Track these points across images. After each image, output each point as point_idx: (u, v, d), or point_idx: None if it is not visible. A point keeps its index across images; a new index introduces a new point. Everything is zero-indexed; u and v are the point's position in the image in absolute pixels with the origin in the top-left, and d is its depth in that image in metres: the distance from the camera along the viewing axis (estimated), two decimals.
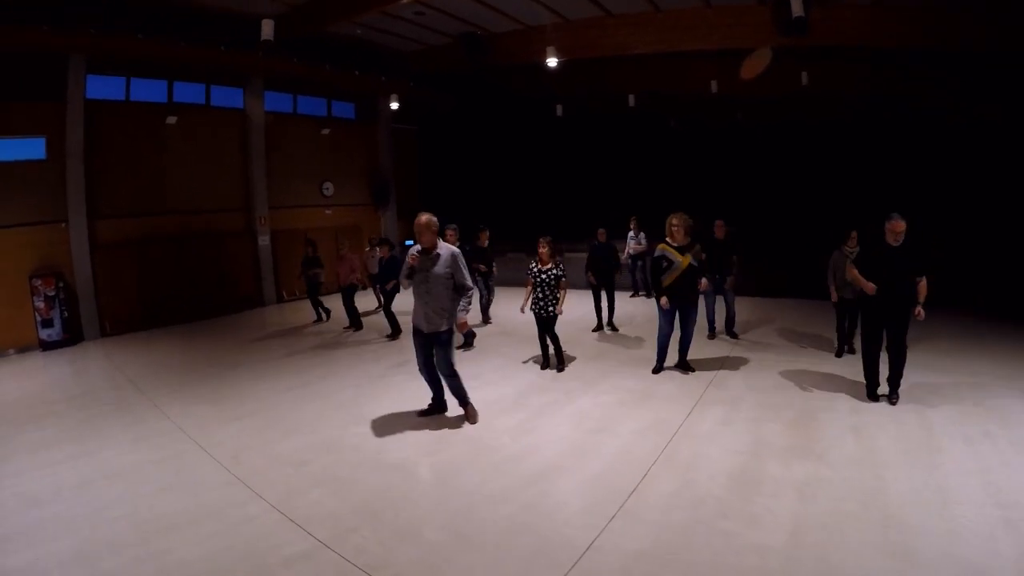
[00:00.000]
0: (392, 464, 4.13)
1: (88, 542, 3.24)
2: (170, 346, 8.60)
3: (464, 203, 14.34)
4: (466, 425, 4.78)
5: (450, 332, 4.64)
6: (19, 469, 4.29)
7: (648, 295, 10.49)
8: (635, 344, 7.30)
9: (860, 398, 4.95)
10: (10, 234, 8.58)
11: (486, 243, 8.62)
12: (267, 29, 8.09)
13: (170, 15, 9.17)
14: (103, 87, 9.60)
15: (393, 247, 8.71)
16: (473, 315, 8.46)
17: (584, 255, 8.37)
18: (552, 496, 3.57)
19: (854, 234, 6.04)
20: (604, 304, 8.10)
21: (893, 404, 4.79)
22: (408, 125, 15.48)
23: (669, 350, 5.99)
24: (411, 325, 4.78)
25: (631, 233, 10.48)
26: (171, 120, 10.38)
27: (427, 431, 4.70)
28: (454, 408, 5.02)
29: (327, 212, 13.43)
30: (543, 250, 6.04)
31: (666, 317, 5.77)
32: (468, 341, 7.45)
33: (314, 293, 9.71)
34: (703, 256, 5.80)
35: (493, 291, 8.89)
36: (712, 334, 7.35)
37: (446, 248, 4.64)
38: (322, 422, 5.03)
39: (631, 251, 10.41)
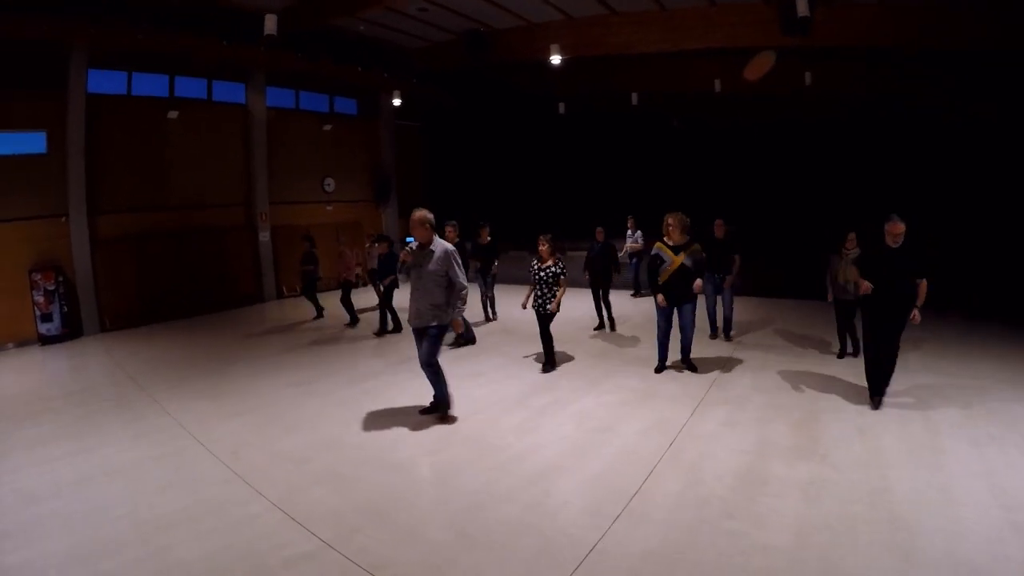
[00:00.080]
0: (394, 462, 4.10)
1: (87, 541, 3.21)
2: (170, 342, 8.57)
3: (466, 200, 14.32)
4: (469, 424, 4.75)
5: (440, 328, 4.63)
6: (17, 465, 4.26)
7: (635, 293, 10.55)
8: (637, 343, 7.28)
9: (863, 399, 4.92)
10: (10, 228, 8.54)
11: (487, 239, 8.58)
12: (270, 24, 8.05)
13: (172, 8, 9.11)
14: (105, 81, 9.56)
15: (392, 244, 8.69)
16: (476, 313, 8.54)
17: (586, 254, 8.36)
18: (556, 496, 3.55)
19: (852, 235, 6.03)
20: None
21: (875, 409, 4.71)
22: (411, 122, 15.44)
23: (670, 349, 5.98)
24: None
25: (629, 232, 10.48)
26: (173, 115, 10.34)
27: (429, 429, 4.68)
28: (456, 407, 4.99)
29: (328, 208, 13.40)
30: (543, 248, 6.09)
31: (663, 315, 5.81)
32: (468, 340, 7.42)
33: (310, 289, 9.69)
34: (703, 255, 5.77)
35: (492, 287, 8.82)
36: (714, 334, 7.34)
37: (440, 245, 4.63)
38: (323, 419, 5.00)
39: (629, 250, 10.40)
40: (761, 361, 6.28)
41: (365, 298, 10.68)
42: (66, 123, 8.93)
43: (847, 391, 5.16)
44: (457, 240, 7.07)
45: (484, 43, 10.69)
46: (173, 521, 3.38)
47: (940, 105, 11.17)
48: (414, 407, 5.07)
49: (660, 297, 5.72)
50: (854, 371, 5.55)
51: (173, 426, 4.95)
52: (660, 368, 5.99)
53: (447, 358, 5.97)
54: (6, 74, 8.36)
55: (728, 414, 4.77)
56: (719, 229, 7.10)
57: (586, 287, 8.18)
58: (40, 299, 8.64)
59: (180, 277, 10.48)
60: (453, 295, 4.63)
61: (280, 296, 12.17)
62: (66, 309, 8.90)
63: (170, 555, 3.04)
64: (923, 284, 4.60)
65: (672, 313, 5.81)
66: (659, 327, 5.91)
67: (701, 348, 6.70)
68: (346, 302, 8.99)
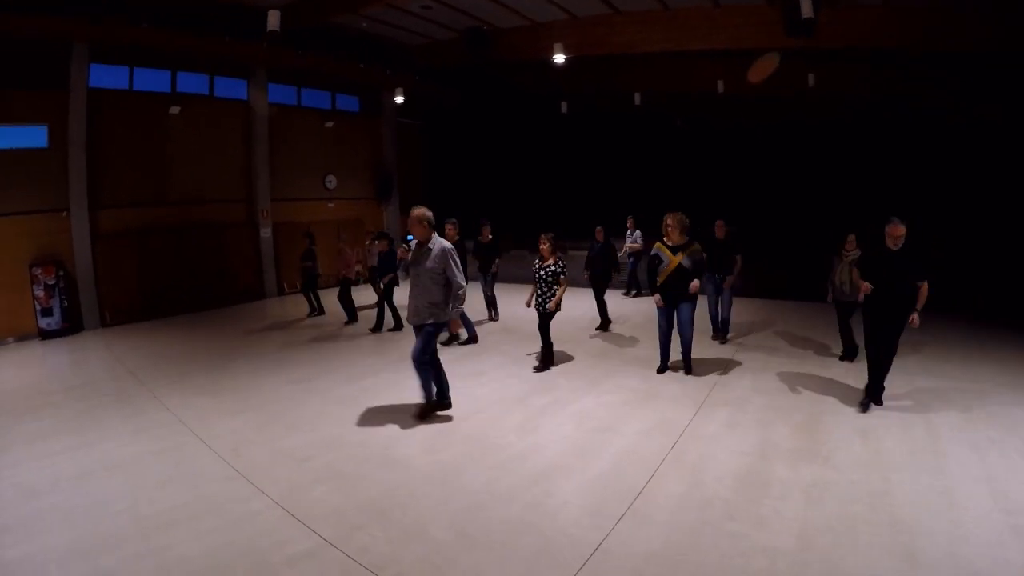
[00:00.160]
0: (396, 461, 4.10)
1: (87, 536, 3.20)
2: (170, 337, 8.56)
3: (468, 199, 14.30)
4: (470, 422, 4.75)
5: (435, 326, 4.63)
6: (17, 459, 4.25)
7: (627, 293, 10.56)
8: (638, 344, 7.27)
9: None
10: (11, 222, 8.53)
11: (489, 237, 8.57)
12: (273, 20, 8.02)
13: (174, 4, 9.09)
14: (106, 76, 9.54)
15: (392, 241, 8.67)
16: (479, 312, 8.52)
17: (587, 253, 8.37)
18: (558, 496, 3.54)
19: (851, 237, 6.03)
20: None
21: (862, 412, 4.70)
22: (412, 120, 15.43)
23: (672, 349, 5.97)
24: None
25: (628, 232, 10.49)
26: (174, 110, 10.32)
27: (430, 427, 4.68)
28: (458, 406, 5.00)
29: (330, 205, 13.38)
30: (544, 247, 6.13)
31: (663, 316, 5.81)
32: (470, 339, 7.41)
33: (309, 286, 9.67)
34: (702, 256, 5.76)
35: (492, 285, 8.79)
36: (716, 334, 7.33)
37: (438, 243, 4.63)
38: (324, 417, 5.00)
39: (628, 250, 10.41)
40: (762, 363, 6.28)
41: (365, 296, 10.68)
42: (68, 117, 8.91)
43: (848, 394, 5.16)
44: (457, 238, 7.05)
45: (486, 41, 10.67)
46: (174, 517, 3.37)
47: (945, 106, 11.15)
48: (415, 405, 5.05)
49: (657, 297, 5.75)
50: (855, 374, 5.56)
51: (173, 422, 4.95)
52: (662, 369, 5.99)
53: (448, 357, 5.98)
54: (8, 68, 8.34)
55: (731, 415, 4.77)
56: (720, 230, 7.10)
57: (587, 287, 8.18)
58: (40, 293, 8.63)
59: (181, 273, 10.47)
60: (451, 294, 4.62)
61: (281, 293, 12.16)
62: (66, 304, 8.89)
63: (171, 552, 3.03)
64: (923, 287, 4.58)
65: (672, 313, 5.80)
66: (660, 328, 5.91)
67: (702, 349, 6.70)
68: (344, 299, 8.97)
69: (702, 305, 6.72)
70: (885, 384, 4.89)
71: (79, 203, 9.13)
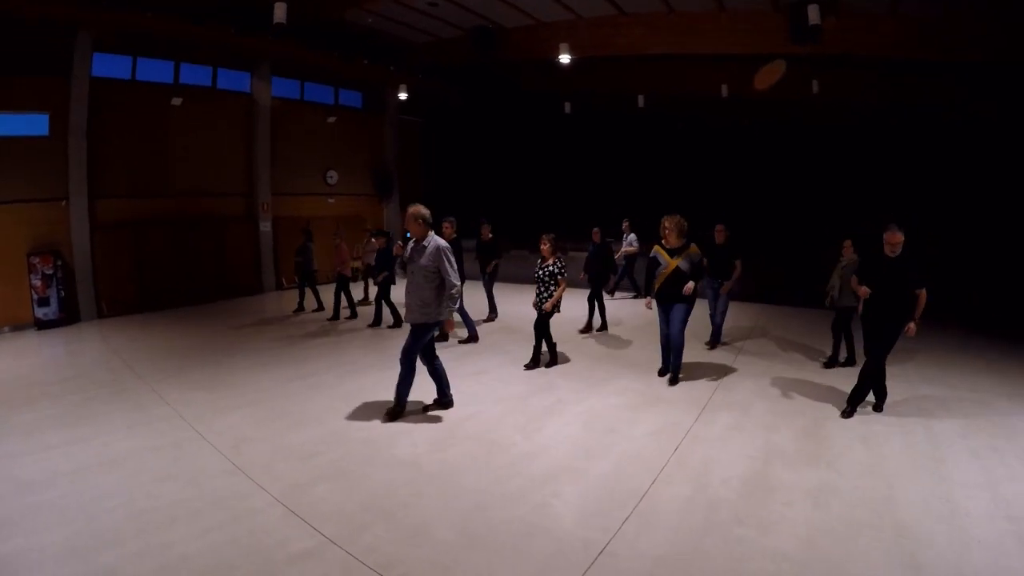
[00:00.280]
0: (400, 459, 4.06)
1: (84, 533, 3.14)
2: (168, 330, 8.50)
3: (469, 198, 14.28)
4: (474, 422, 4.73)
5: (425, 326, 4.60)
6: (11, 452, 4.19)
7: (610, 293, 10.56)
8: (639, 346, 7.26)
9: (865, 408, 4.92)
10: (9, 210, 8.45)
11: (489, 236, 8.54)
12: (280, 12, 7.98)
13: None
14: (109, 65, 9.47)
15: (390, 239, 8.63)
16: (480, 311, 8.48)
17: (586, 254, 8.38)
18: (563, 497, 3.52)
19: (848, 243, 6.04)
20: (606, 303, 8.10)
21: (844, 417, 4.70)
22: (415, 117, 15.38)
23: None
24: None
25: (624, 235, 10.50)
26: (176, 101, 10.25)
27: (434, 426, 4.65)
28: (459, 405, 4.98)
29: (330, 201, 13.33)
30: (544, 247, 6.15)
31: (664, 318, 5.73)
32: (471, 338, 7.39)
33: (309, 281, 9.62)
34: (701, 258, 5.65)
35: (492, 285, 8.74)
36: (709, 340, 7.27)
37: (434, 241, 4.61)
38: (326, 413, 4.96)
39: (623, 253, 10.41)
40: (763, 367, 6.28)
41: (362, 293, 10.65)
42: (69, 106, 8.85)
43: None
44: (454, 237, 7.00)
45: (492, 40, 10.65)
46: (173, 515, 3.32)
47: (940, 104, 11.17)
48: (416, 403, 5.03)
49: (647, 300, 5.75)
50: (854, 380, 5.54)
51: (172, 416, 4.90)
52: (663, 371, 5.97)
53: (449, 356, 5.96)
54: (10, 55, 8.26)
55: (735, 419, 4.76)
56: (720, 234, 7.04)
57: (586, 288, 8.17)
58: (37, 283, 8.55)
59: (179, 265, 10.41)
60: (443, 293, 4.59)
61: (279, 287, 12.10)
62: (63, 294, 8.81)
63: (171, 551, 2.97)
64: (922, 295, 4.53)
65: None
66: (661, 330, 5.85)
67: (701, 354, 6.71)
68: (337, 296, 8.93)
69: (702, 309, 6.71)
70: (887, 389, 4.89)
71: (79, 193, 9.06)
